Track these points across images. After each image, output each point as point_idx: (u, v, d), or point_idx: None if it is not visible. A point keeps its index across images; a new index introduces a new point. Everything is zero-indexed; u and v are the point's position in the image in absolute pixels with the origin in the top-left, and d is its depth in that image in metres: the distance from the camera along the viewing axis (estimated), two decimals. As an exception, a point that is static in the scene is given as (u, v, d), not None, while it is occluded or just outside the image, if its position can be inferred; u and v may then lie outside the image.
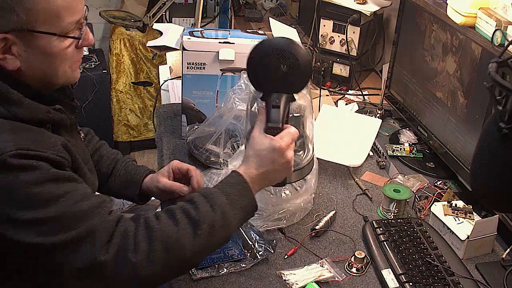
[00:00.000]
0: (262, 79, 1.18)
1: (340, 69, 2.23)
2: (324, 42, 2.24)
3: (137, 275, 1.01)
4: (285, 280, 1.24)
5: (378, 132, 1.80)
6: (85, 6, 1.15)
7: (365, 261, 1.31)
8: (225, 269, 1.27)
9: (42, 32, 1.05)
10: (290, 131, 1.16)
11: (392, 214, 1.47)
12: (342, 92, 2.21)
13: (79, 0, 1.10)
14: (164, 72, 2.21)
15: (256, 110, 1.25)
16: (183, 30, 1.76)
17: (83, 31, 1.12)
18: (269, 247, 1.32)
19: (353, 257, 1.31)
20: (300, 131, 1.22)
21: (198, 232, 1.05)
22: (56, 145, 1.06)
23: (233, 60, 1.65)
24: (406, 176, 1.59)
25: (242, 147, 1.13)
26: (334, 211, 1.48)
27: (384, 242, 1.35)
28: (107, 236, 1.01)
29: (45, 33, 1.05)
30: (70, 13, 1.07)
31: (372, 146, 1.76)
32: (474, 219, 1.36)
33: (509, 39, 1.28)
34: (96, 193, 1.25)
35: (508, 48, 0.99)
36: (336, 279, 1.25)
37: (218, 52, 1.64)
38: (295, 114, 1.27)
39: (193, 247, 1.04)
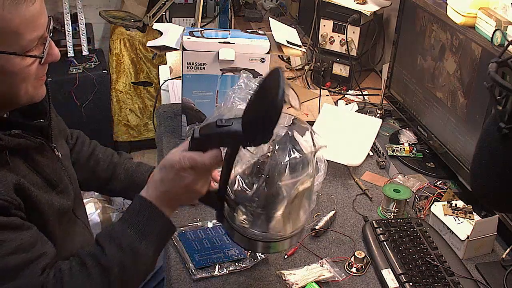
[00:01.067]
0: None
1: (340, 69, 2.23)
2: (324, 42, 2.24)
3: None
4: (285, 280, 1.24)
5: (378, 132, 1.80)
6: (49, 18, 1.06)
7: (365, 261, 1.31)
8: (225, 269, 1.27)
9: (3, 51, 0.97)
10: (197, 155, 1.00)
11: (392, 214, 1.47)
12: (342, 92, 2.21)
13: (39, 15, 1.01)
14: (164, 72, 2.21)
15: None
16: (183, 30, 1.76)
17: (46, 47, 1.04)
18: (269, 247, 1.31)
19: (353, 257, 1.31)
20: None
21: (111, 278, 1.01)
22: (5, 186, 1.00)
23: (233, 60, 1.65)
24: (406, 176, 1.59)
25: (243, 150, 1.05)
26: (334, 211, 1.48)
27: (384, 242, 1.35)
28: None
29: (4, 52, 0.97)
30: (30, 30, 0.99)
31: (372, 146, 1.76)
32: (474, 219, 1.36)
33: (509, 39, 1.28)
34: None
35: (508, 48, 0.99)
36: (336, 279, 1.25)
37: (218, 52, 1.64)
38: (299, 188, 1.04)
39: None
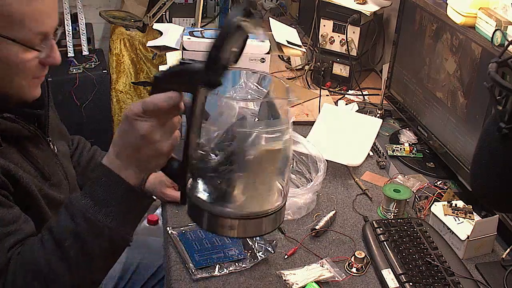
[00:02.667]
0: None
1: (340, 69, 2.23)
2: (324, 42, 2.24)
3: None
4: (285, 280, 1.24)
5: (378, 132, 1.80)
6: (59, 28, 1.06)
7: (365, 261, 1.31)
8: (225, 269, 1.27)
9: (2, 35, 0.97)
10: (149, 97, 0.90)
11: (392, 214, 1.47)
12: (342, 92, 2.21)
13: (47, 14, 1.01)
14: (164, 72, 2.20)
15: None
16: (183, 30, 1.76)
17: (48, 46, 1.04)
18: (269, 247, 1.32)
19: (353, 257, 1.31)
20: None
21: (65, 250, 0.95)
22: None
23: (233, 60, 1.65)
24: (406, 176, 1.59)
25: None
26: (334, 211, 1.48)
27: (384, 242, 1.35)
28: None
29: (5, 37, 0.97)
30: (35, 24, 0.99)
31: (372, 146, 1.76)
32: (474, 219, 1.36)
33: (509, 39, 1.28)
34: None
35: (508, 48, 0.99)
36: (336, 279, 1.25)
37: (218, 52, 1.64)
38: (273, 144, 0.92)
39: (69, 268, 0.95)
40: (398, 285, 1.24)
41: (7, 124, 1.05)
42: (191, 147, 0.91)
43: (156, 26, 1.95)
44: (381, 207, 1.51)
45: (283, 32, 1.85)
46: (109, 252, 0.99)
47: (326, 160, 1.62)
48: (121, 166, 0.95)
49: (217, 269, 1.26)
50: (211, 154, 0.90)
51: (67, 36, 3.19)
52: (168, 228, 1.38)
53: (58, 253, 0.95)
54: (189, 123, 0.89)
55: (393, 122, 1.98)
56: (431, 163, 1.71)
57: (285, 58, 2.42)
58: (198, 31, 1.73)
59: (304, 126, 1.81)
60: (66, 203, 0.98)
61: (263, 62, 1.66)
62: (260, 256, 1.30)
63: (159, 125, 0.91)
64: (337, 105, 2.06)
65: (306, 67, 2.34)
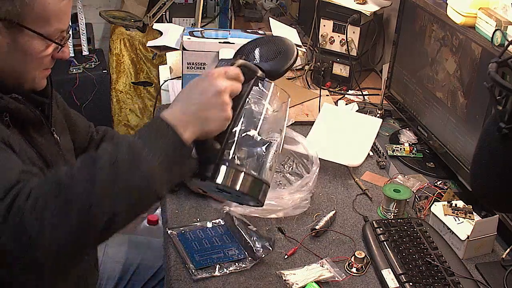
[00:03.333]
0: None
1: (340, 69, 2.23)
2: (324, 42, 2.24)
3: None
4: (285, 280, 1.24)
5: (378, 132, 1.80)
6: (70, 26, 1.17)
7: (365, 261, 1.31)
8: (225, 269, 1.27)
9: (30, 29, 1.06)
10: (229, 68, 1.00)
11: (392, 214, 1.47)
12: (342, 92, 2.21)
13: (68, 13, 1.13)
14: (164, 72, 2.21)
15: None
16: (183, 30, 1.76)
17: (64, 42, 1.14)
18: (268, 245, 1.31)
19: (353, 257, 1.31)
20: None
21: (95, 174, 0.85)
22: None
23: (233, 60, 1.65)
24: (406, 176, 1.59)
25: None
26: (334, 211, 1.48)
27: (384, 242, 1.35)
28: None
29: (33, 31, 1.06)
30: (58, 22, 1.09)
31: (372, 146, 1.76)
32: (474, 219, 1.36)
33: (509, 39, 1.28)
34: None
35: (508, 48, 0.99)
36: (336, 279, 1.25)
37: (218, 52, 1.64)
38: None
39: (89, 193, 0.84)
40: (398, 285, 1.24)
41: (16, 104, 1.10)
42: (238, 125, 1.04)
43: (156, 26, 1.95)
44: (381, 207, 1.51)
45: (283, 32, 1.86)
46: (135, 196, 0.89)
47: (326, 161, 1.62)
48: (181, 120, 0.95)
49: (217, 269, 1.26)
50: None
51: (67, 36, 3.19)
52: (167, 229, 1.38)
53: (85, 172, 0.86)
54: (239, 107, 1.02)
55: (393, 122, 1.98)
56: (431, 163, 1.71)
57: (285, 58, 2.42)
58: (198, 31, 1.73)
59: (304, 126, 1.81)
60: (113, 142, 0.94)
61: (263, 62, 1.66)
62: (259, 254, 1.29)
63: (233, 90, 0.99)
64: (337, 105, 2.06)
65: (306, 67, 2.34)
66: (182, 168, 0.97)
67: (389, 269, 1.28)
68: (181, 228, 1.38)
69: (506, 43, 1.26)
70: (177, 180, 0.98)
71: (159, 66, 2.30)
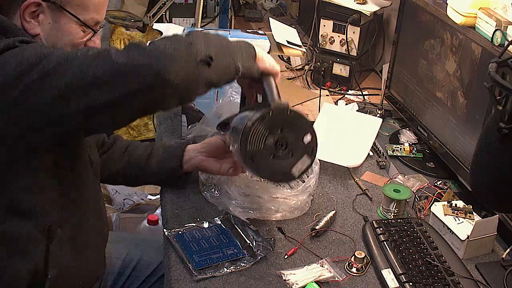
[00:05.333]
0: None
1: (340, 69, 2.23)
2: (324, 42, 2.24)
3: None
4: (285, 280, 1.24)
5: (378, 132, 1.80)
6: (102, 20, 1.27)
7: (365, 261, 1.31)
8: (225, 269, 1.26)
9: (71, 13, 1.16)
10: None
11: (392, 214, 1.47)
12: (342, 92, 2.21)
13: (105, 7, 1.23)
14: (164, 72, 2.20)
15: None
16: (183, 30, 1.76)
17: (97, 31, 1.24)
18: (267, 245, 1.31)
19: (353, 257, 1.31)
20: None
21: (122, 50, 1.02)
22: None
23: (233, 60, 1.64)
24: (406, 176, 1.59)
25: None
26: (334, 211, 1.48)
27: (384, 242, 1.35)
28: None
29: (73, 15, 1.17)
30: (95, 12, 1.20)
31: (372, 146, 1.76)
32: (474, 219, 1.36)
33: (509, 39, 1.28)
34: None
35: (508, 48, 0.99)
36: (336, 279, 1.25)
37: (218, 52, 1.64)
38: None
39: (111, 67, 0.99)
40: (398, 285, 1.24)
41: None
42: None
43: (156, 26, 1.95)
44: (381, 207, 1.51)
45: (283, 32, 1.85)
46: (182, 76, 1.01)
47: (326, 161, 1.62)
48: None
49: (217, 269, 1.26)
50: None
51: (67, 36, 3.19)
52: (164, 230, 1.38)
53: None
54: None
55: (393, 122, 1.98)
56: (431, 163, 1.71)
57: (285, 58, 2.42)
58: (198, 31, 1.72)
59: (304, 126, 1.80)
60: None
61: (263, 62, 1.66)
62: (259, 254, 1.29)
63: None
64: (337, 105, 2.06)
65: (306, 67, 2.34)
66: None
67: (389, 269, 1.28)
68: (178, 229, 1.38)
69: (506, 43, 1.26)
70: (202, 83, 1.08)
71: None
